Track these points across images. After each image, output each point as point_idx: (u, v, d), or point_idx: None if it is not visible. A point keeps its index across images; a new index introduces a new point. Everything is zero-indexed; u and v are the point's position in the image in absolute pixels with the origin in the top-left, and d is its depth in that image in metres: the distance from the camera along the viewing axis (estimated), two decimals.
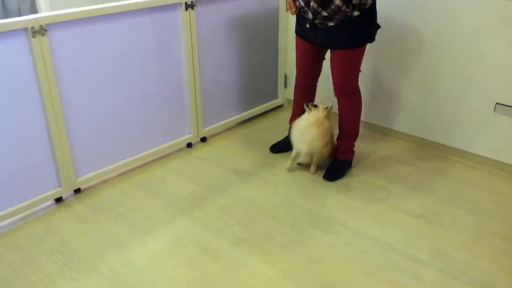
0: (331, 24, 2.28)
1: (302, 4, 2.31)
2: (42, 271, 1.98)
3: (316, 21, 2.31)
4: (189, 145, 3.07)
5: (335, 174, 2.66)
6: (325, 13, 2.22)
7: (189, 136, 3.03)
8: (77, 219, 2.34)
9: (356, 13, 2.24)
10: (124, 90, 2.56)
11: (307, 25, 2.39)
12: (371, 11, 2.32)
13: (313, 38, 2.46)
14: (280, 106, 3.67)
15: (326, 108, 2.55)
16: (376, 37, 2.43)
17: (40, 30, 2.11)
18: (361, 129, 2.75)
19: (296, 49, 2.62)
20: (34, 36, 2.10)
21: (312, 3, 2.23)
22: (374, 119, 3.22)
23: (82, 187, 2.56)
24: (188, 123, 2.99)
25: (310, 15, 2.30)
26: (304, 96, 2.77)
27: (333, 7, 2.19)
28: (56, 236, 2.21)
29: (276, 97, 3.61)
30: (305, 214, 2.37)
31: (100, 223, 2.30)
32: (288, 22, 3.41)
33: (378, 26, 2.41)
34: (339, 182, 2.64)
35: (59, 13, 2.19)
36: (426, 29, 2.76)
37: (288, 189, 2.58)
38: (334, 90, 2.56)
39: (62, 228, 2.27)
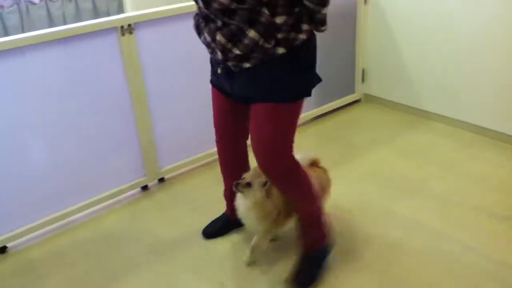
0: (248, 65, 1.54)
1: (208, 39, 1.58)
2: (127, 257, 2.11)
3: (229, 63, 1.57)
4: None
5: (303, 280, 1.87)
6: (237, 51, 1.50)
7: None
8: (160, 208, 2.47)
9: (280, 50, 1.51)
10: (203, 84, 2.65)
11: (219, 70, 1.66)
12: (306, 50, 1.58)
13: (229, 89, 1.70)
14: (357, 101, 3.60)
15: (265, 185, 1.81)
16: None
17: (128, 29, 2.25)
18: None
19: (212, 104, 1.90)
20: (123, 34, 2.24)
21: (218, 37, 1.51)
22: None
23: (165, 177, 2.70)
24: None
25: (219, 55, 1.56)
26: (231, 165, 2.03)
27: (246, 41, 1.47)
28: (139, 224, 2.35)
29: (352, 92, 3.55)
30: (381, 212, 2.31)
31: (180, 213, 2.41)
32: (367, 12, 3.32)
33: (318, 79, 1.70)
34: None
35: (145, 12, 2.32)
36: None
37: (362, 187, 2.53)
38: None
39: (145, 216, 2.41)
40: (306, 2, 1.48)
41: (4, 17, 3.73)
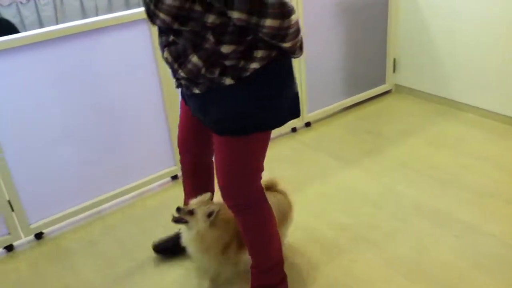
0: (197, 91, 1.41)
1: (160, 50, 1.44)
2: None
3: (181, 82, 1.45)
4: (294, 130, 3.11)
5: None
6: (183, 73, 1.37)
7: (294, 121, 3.06)
8: None
9: (228, 81, 1.34)
10: None
11: (175, 85, 1.52)
12: (262, 82, 1.37)
13: (187, 100, 1.58)
14: (388, 92, 3.54)
15: (210, 215, 1.66)
16: None
17: None
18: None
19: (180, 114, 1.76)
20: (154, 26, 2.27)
21: (166, 54, 1.38)
22: None
23: None
24: None
25: (170, 71, 1.45)
26: (194, 181, 1.87)
27: (190, 66, 1.33)
28: (169, 212, 2.39)
29: (383, 82, 3.49)
30: (411, 203, 2.28)
31: None
32: (399, 2, 3.26)
33: (292, 113, 1.48)
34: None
35: None
36: None
37: (392, 178, 2.50)
38: None
39: (175, 205, 2.44)
40: (264, 37, 1.27)
41: (39, 9, 3.83)
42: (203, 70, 1.32)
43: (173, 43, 1.34)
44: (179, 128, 1.77)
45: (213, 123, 1.46)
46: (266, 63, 1.35)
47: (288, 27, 1.24)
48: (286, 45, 1.30)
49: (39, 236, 2.30)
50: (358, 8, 3.08)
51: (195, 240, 1.70)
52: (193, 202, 1.72)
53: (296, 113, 1.50)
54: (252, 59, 1.33)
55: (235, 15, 1.20)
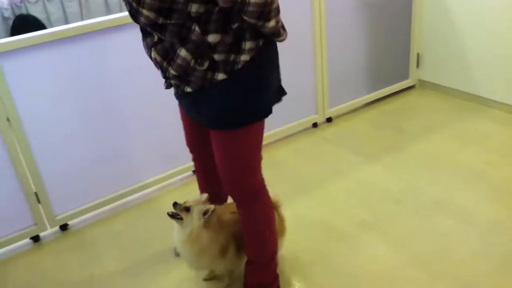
0: (189, 90, 1.41)
1: (148, 54, 1.44)
2: None
3: (172, 82, 1.45)
4: (315, 125, 3.10)
5: None
6: (173, 71, 1.36)
7: (315, 116, 3.05)
8: None
9: (220, 76, 1.35)
10: None
11: (164, 86, 1.54)
12: (251, 72, 1.38)
13: (179, 102, 1.63)
14: (411, 87, 3.50)
15: (205, 213, 1.63)
16: None
17: None
18: None
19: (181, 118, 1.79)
20: None
21: (153, 54, 1.38)
22: None
23: None
24: (313, 103, 3.01)
25: (160, 72, 1.45)
26: (207, 182, 1.89)
27: (179, 61, 1.32)
28: None
29: (406, 78, 3.44)
30: (434, 201, 2.25)
31: None
32: None
33: (277, 98, 1.51)
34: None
35: None
36: None
37: (415, 175, 2.47)
38: None
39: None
40: (246, 18, 1.27)
41: (65, 5, 3.90)
42: (192, 63, 1.32)
43: (159, 41, 1.34)
44: (184, 131, 1.79)
45: (208, 120, 1.47)
46: (254, 54, 1.35)
47: (272, 2, 1.25)
48: (271, 24, 1.29)
49: (64, 227, 2.35)
50: (381, 1, 3.04)
51: (189, 241, 1.65)
52: (190, 200, 1.69)
53: (279, 99, 1.53)
54: (241, 51, 1.33)
55: None
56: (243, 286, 1.76)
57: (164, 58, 1.35)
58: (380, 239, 2.04)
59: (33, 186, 2.19)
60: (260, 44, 1.36)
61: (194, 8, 1.23)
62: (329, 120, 3.14)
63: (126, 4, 1.33)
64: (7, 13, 3.60)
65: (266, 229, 1.67)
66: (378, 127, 3.01)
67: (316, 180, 2.51)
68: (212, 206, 1.65)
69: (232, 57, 1.33)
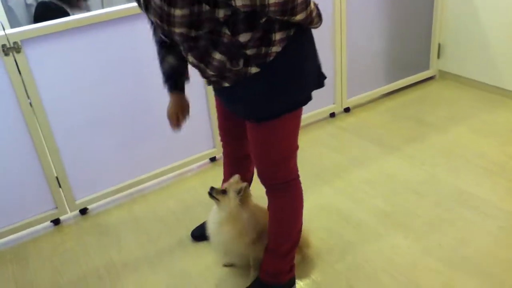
0: (226, 85, 1.43)
1: (186, 58, 1.46)
2: (200, 219, 2.19)
3: (211, 79, 1.48)
4: (332, 115, 3.08)
5: None
6: (210, 72, 1.40)
7: (333, 106, 3.03)
8: None
9: (253, 70, 1.35)
10: None
11: (206, 83, 1.56)
12: (284, 62, 1.37)
13: (219, 97, 1.67)
14: (431, 78, 3.45)
15: (239, 192, 1.66)
16: None
17: None
18: None
19: (216, 106, 1.83)
20: None
21: (190, 58, 1.41)
22: None
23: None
24: (332, 93, 2.99)
25: (199, 73, 1.49)
26: (233, 169, 1.89)
27: (215, 63, 1.35)
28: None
29: (427, 68, 3.40)
30: (454, 192, 2.23)
31: None
32: None
33: (319, 84, 1.50)
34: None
35: None
36: None
37: (435, 166, 2.45)
38: None
39: (214, 184, 2.48)
40: (274, 16, 1.27)
41: None
42: (227, 64, 1.34)
43: (194, 47, 1.35)
44: (218, 118, 1.82)
45: (245, 113, 1.49)
46: (286, 44, 1.34)
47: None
48: (299, 17, 1.28)
49: (83, 211, 2.39)
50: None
51: (229, 221, 1.68)
52: (225, 184, 1.73)
53: (321, 83, 1.51)
54: (271, 43, 1.32)
55: (238, 2, 1.18)
56: (259, 274, 1.76)
57: (201, 62, 1.38)
58: (399, 229, 2.03)
59: (54, 171, 2.22)
60: (292, 33, 1.35)
61: (221, 13, 1.23)
62: (347, 110, 3.12)
63: (157, 28, 1.39)
64: (30, 0, 3.63)
65: (294, 218, 1.68)
66: (398, 117, 2.98)
67: (336, 170, 2.50)
68: (244, 184, 1.67)
69: (263, 50, 1.32)
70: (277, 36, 1.32)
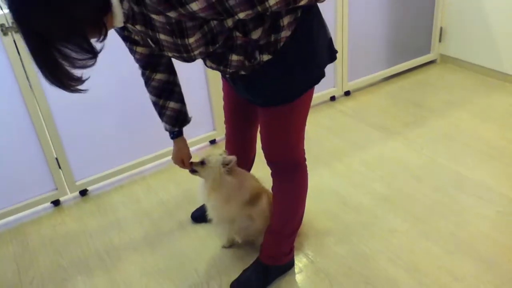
0: (242, 72, 1.45)
1: (203, 62, 1.48)
2: (200, 201, 2.20)
3: (227, 74, 1.50)
4: (333, 98, 3.07)
5: (248, 283, 1.76)
6: (229, 70, 1.42)
7: (333, 89, 3.02)
8: None
9: (265, 57, 1.37)
10: None
11: (225, 77, 1.62)
12: (294, 46, 1.38)
13: (232, 85, 1.66)
14: (432, 62, 3.43)
15: (227, 164, 1.68)
16: None
17: None
18: None
19: (222, 87, 1.84)
20: None
21: (209, 64, 1.44)
22: None
23: None
24: (332, 76, 2.98)
25: (219, 72, 1.51)
26: (237, 151, 1.88)
27: (234, 63, 1.39)
28: None
29: (428, 52, 3.38)
30: (453, 176, 2.24)
31: None
32: None
33: (329, 57, 1.51)
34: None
35: None
36: None
37: (434, 150, 2.45)
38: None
39: None
40: (280, 9, 1.25)
41: None
42: (246, 62, 1.37)
43: (212, 54, 1.36)
44: (224, 109, 1.84)
45: (261, 100, 1.49)
46: (295, 26, 1.34)
47: None
48: (303, 2, 1.25)
49: (83, 193, 2.39)
50: None
51: (214, 189, 1.70)
52: (203, 155, 1.75)
53: (333, 57, 1.52)
54: (280, 29, 1.32)
55: (241, 15, 1.17)
56: (259, 255, 1.79)
57: (219, 65, 1.41)
58: (398, 213, 2.04)
59: (54, 152, 2.22)
60: (299, 14, 1.34)
61: (229, 22, 1.24)
62: (347, 93, 3.11)
63: (148, 79, 1.58)
64: None
65: (298, 201, 1.69)
66: (398, 101, 2.97)
67: (335, 153, 2.50)
68: (233, 157, 1.68)
69: (273, 37, 1.33)
70: (285, 21, 1.32)
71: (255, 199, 1.76)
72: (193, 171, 1.75)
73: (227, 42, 1.31)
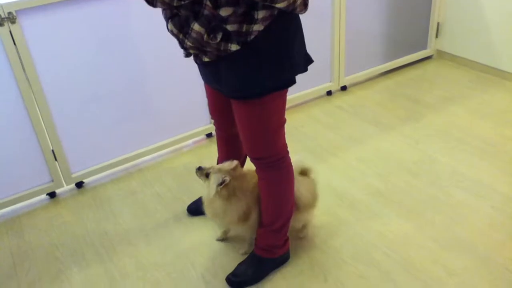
0: (206, 59, 1.41)
1: (165, 22, 1.43)
2: (196, 195, 2.21)
3: (190, 51, 1.45)
4: (329, 93, 3.07)
5: (244, 276, 1.76)
6: (189, 43, 1.36)
7: (330, 84, 3.02)
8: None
9: (233, 47, 1.33)
10: None
11: (184, 54, 1.52)
12: (268, 42, 1.36)
13: (202, 72, 1.62)
14: (429, 58, 3.44)
15: (221, 184, 1.65)
16: None
17: None
18: None
19: (204, 85, 1.81)
20: None
21: (170, 26, 1.39)
22: None
23: None
24: (329, 71, 2.98)
25: (178, 43, 1.44)
26: (226, 149, 1.92)
27: (193, 34, 1.33)
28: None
29: (425, 47, 3.39)
30: (448, 172, 2.25)
31: None
32: None
33: (305, 64, 1.50)
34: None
35: None
36: None
37: (430, 146, 2.46)
38: None
39: (210, 160, 2.49)
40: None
41: None
42: (205, 37, 1.32)
43: (176, 15, 1.34)
44: (207, 98, 1.82)
45: (228, 90, 1.48)
46: (269, 23, 1.32)
47: None
48: (280, 5, 1.25)
49: (79, 185, 2.39)
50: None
51: (207, 204, 1.76)
52: (216, 166, 1.73)
53: (305, 69, 1.50)
54: (254, 21, 1.29)
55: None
56: (254, 248, 1.80)
57: (180, 31, 1.36)
58: (393, 208, 2.06)
59: (50, 144, 2.21)
60: (275, 13, 1.32)
61: None
62: (343, 88, 3.11)
63: None
64: None
65: (285, 195, 1.69)
66: (394, 97, 2.98)
67: (331, 148, 2.51)
68: (227, 178, 1.66)
69: (244, 27, 1.30)
70: (260, 14, 1.29)
71: (245, 216, 1.73)
72: (198, 176, 1.75)
73: (195, 5, 1.28)
